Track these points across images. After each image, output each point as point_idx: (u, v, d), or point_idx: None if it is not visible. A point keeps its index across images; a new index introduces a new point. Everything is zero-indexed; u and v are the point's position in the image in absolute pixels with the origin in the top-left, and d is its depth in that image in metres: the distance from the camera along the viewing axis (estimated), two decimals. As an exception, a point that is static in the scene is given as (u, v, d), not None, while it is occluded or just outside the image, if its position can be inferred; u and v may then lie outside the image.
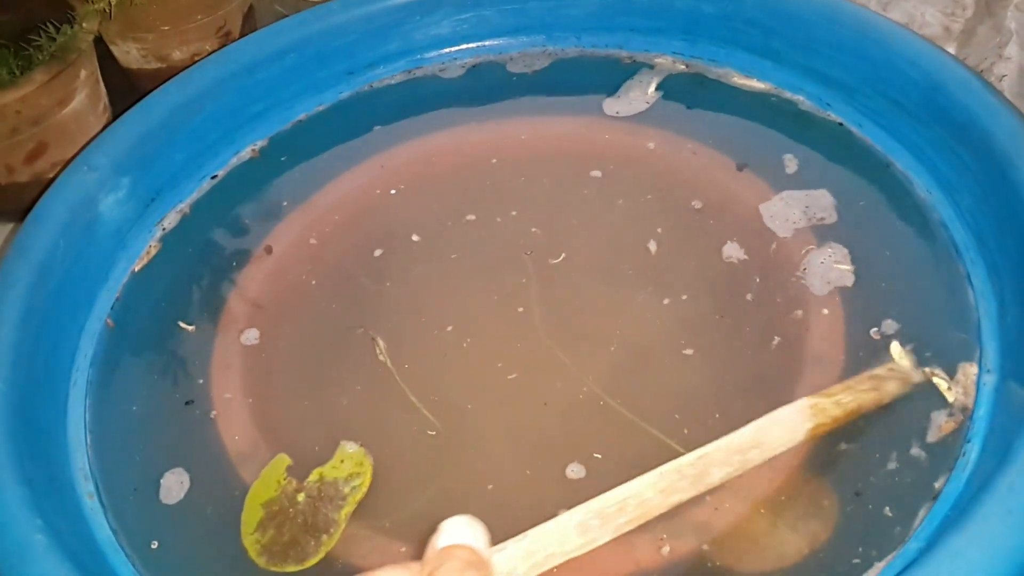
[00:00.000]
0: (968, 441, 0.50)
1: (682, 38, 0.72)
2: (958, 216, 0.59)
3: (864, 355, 0.54)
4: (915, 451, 0.50)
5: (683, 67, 0.72)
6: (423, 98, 0.74)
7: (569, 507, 0.49)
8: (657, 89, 0.71)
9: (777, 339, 0.56)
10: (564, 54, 0.75)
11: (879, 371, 0.52)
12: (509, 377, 0.56)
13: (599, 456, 0.52)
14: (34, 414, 0.54)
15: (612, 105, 0.70)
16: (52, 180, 0.63)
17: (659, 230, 0.62)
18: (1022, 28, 0.75)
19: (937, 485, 0.49)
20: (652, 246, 0.61)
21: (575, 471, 0.52)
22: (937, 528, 0.46)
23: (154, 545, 0.51)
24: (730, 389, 0.54)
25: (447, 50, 0.76)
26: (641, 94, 0.71)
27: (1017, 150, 0.55)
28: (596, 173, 0.67)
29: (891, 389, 0.51)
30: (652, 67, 0.73)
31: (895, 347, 0.53)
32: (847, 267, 0.58)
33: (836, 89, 0.67)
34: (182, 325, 0.61)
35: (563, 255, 0.62)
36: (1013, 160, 0.54)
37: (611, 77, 0.72)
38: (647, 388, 0.55)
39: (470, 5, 0.74)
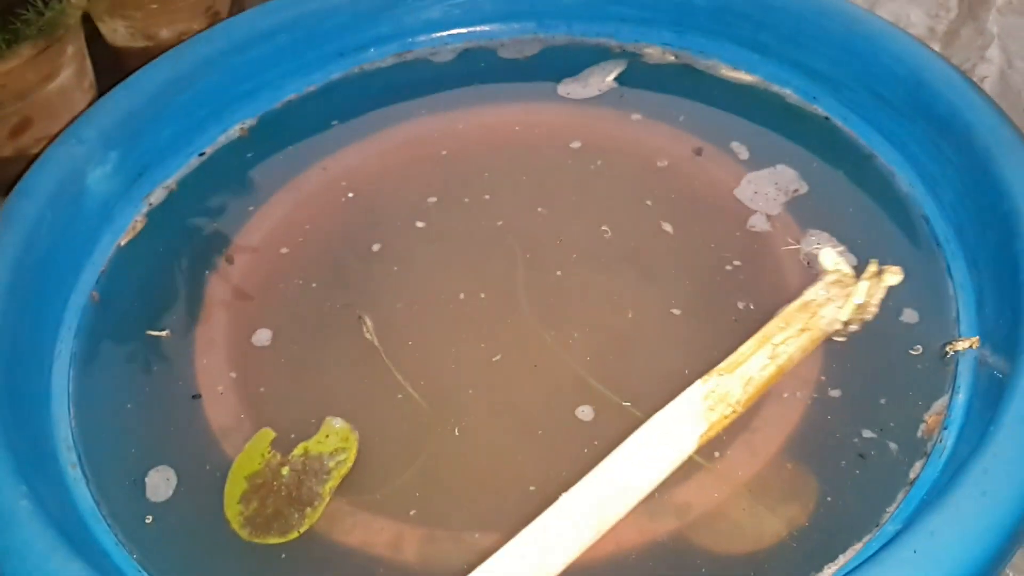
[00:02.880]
0: (945, 428, 0.51)
1: (672, 29, 0.73)
2: (939, 210, 0.60)
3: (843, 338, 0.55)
4: (893, 437, 0.51)
5: (672, 58, 0.73)
6: (413, 81, 0.74)
7: (551, 484, 0.50)
8: (647, 77, 0.72)
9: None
10: (554, 41, 0.76)
11: (810, 295, 0.47)
12: (495, 359, 0.56)
13: (583, 436, 0.53)
14: (18, 384, 0.54)
15: (593, 89, 0.71)
16: (36, 156, 0.63)
17: (648, 205, 0.63)
18: (1004, 31, 0.77)
19: (914, 471, 0.49)
20: (667, 228, 0.62)
21: (557, 449, 0.52)
22: (914, 512, 0.47)
23: (135, 515, 0.51)
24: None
25: (438, 34, 0.76)
26: (630, 82, 0.72)
27: (998, 146, 0.56)
28: (576, 145, 0.68)
29: (827, 318, 0.47)
30: (641, 55, 0.73)
31: (826, 255, 0.49)
32: (834, 249, 0.59)
33: (823, 83, 0.68)
34: (152, 333, 0.60)
35: (549, 237, 0.62)
36: (994, 156, 0.56)
37: (601, 64, 0.73)
38: (634, 371, 0.55)
39: (462, -10, 0.75)
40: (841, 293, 0.48)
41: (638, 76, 0.72)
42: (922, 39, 0.78)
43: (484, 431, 0.53)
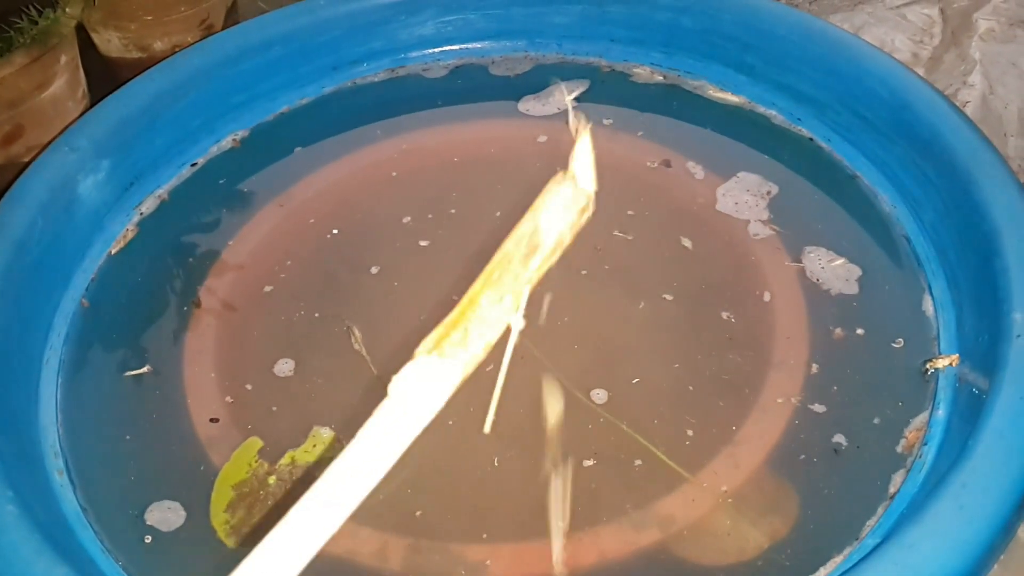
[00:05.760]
0: (925, 444, 0.51)
1: (660, 50, 0.74)
2: (921, 230, 0.61)
3: (827, 354, 0.56)
4: (874, 452, 0.52)
5: (660, 78, 0.74)
6: (406, 96, 0.75)
7: (539, 495, 0.50)
8: (637, 98, 0.73)
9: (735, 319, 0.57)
10: (545, 60, 0.77)
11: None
12: (486, 369, 0.57)
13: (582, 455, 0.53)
14: (6, 390, 0.54)
15: (552, 108, 0.72)
16: (27, 164, 0.63)
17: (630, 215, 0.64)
18: (986, 58, 0.78)
19: (894, 485, 0.50)
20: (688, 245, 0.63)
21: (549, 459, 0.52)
22: (893, 525, 0.48)
23: (121, 522, 0.52)
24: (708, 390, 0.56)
25: (431, 51, 0.77)
26: (619, 100, 0.72)
27: (979, 168, 0.57)
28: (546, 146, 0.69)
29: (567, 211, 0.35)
30: (631, 75, 0.75)
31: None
32: (838, 263, 0.60)
33: (807, 104, 0.69)
34: (129, 374, 0.59)
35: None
36: (975, 177, 0.57)
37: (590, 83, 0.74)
38: (624, 381, 0.56)
39: (455, 8, 0.75)
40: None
41: (623, 94, 0.73)
42: (906, 64, 0.80)
43: (471, 442, 0.54)
